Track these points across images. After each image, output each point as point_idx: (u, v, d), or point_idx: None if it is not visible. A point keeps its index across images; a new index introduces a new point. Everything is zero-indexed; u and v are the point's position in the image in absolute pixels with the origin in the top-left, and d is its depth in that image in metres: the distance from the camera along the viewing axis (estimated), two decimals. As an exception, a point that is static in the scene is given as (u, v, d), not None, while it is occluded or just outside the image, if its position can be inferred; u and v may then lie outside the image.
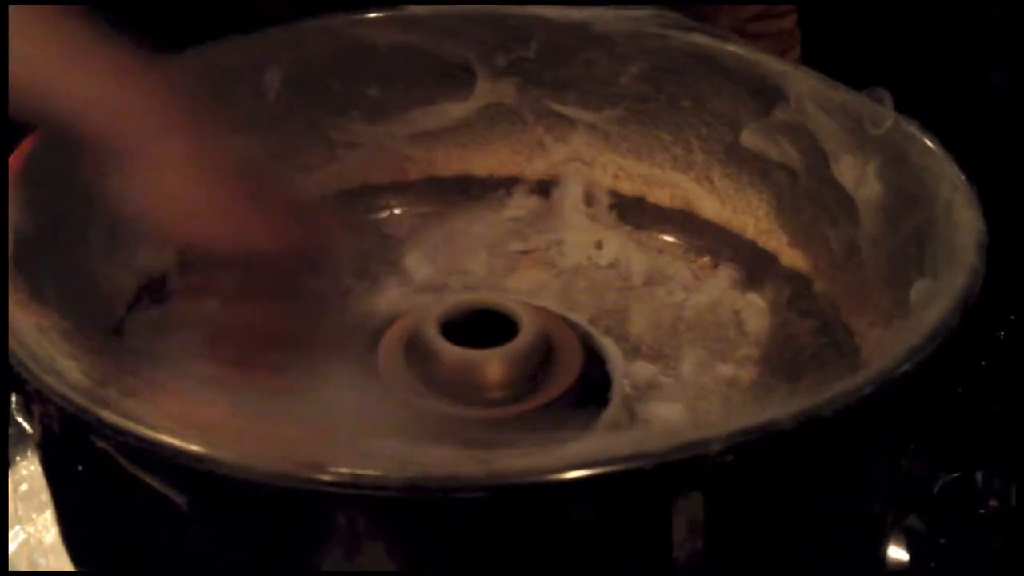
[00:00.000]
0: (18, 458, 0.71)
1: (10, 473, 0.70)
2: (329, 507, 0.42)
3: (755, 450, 0.43)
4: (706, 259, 0.76)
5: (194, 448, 0.41)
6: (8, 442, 0.70)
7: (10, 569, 0.67)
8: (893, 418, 0.49)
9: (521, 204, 0.80)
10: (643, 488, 0.43)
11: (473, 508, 0.41)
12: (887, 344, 0.48)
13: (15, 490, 0.70)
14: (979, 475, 0.77)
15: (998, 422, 0.85)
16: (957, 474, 0.77)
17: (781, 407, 0.43)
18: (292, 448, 0.41)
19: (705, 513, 0.45)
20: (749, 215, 0.74)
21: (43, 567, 0.67)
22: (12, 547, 0.68)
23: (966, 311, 0.50)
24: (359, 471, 0.41)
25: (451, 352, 0.61)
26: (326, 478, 0.41)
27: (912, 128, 0.62)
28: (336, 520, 0.42)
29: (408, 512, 0.42)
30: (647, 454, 0.41)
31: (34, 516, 0.69)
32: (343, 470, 0.41)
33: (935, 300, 0.49)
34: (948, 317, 0.48)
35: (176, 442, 0.41)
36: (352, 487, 0.41)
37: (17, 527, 0.69)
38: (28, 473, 0.71)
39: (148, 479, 0.44)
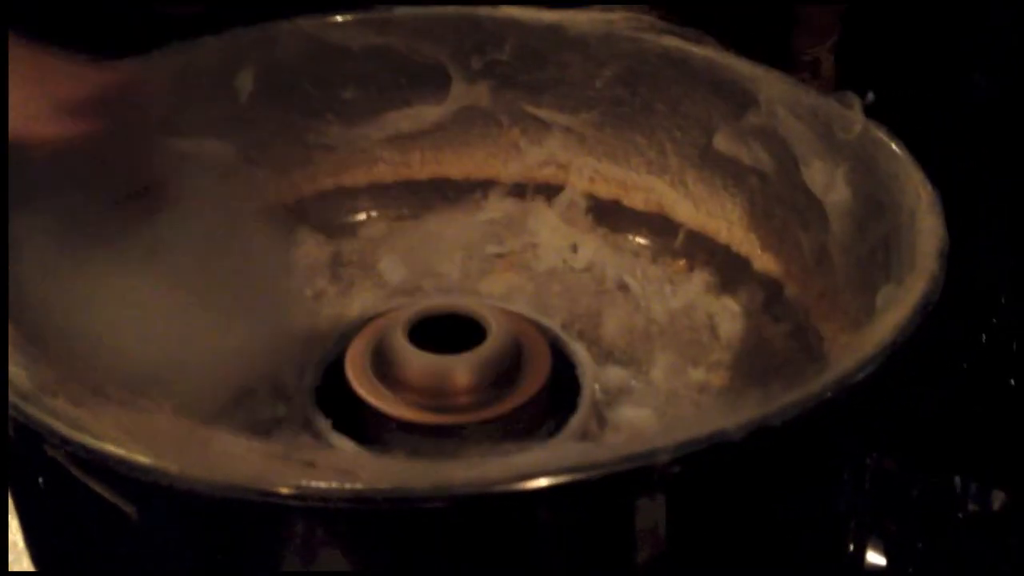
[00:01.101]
0: (-8, 461, 0.71)
1: (-16, 476, 0.70)
2: (275, 518, 0.42)
3: (704, 460, 0.42)
4: (681, 263, 0.76)
5: (139, 459, 0.41)
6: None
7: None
8: (848, 426, 0.49)
9: (497, 207, 0.80)
10: (592, 498, 0.43)
11: (418, 519, 0.41)
12: (844, 352, 0.48)
13: (-10, 493, 0.70)
14: (957, 479, 0.77)
15: (978, 426, 0.85)
16: (936, 478, 0.77)
17: (730, 417, 0.42)
18: (238, 459, 0.41)
19: (662, 522, 0.45)
20: (723, 219, 0.74)
21: (16, 571, 0.67)
22: (-14, 549, 0.68)
23: (925, 318, 0.49)
24: (304, 483, 0.41)
25: (418, 357, 0.60)
26: (272, 490, 0.41)
27: (880, 134, 0.62)
28: (283, 531, 0.42)
29: (354, 523, 0.42)
30: (594, 465, 0.41)
31: (9, 519, 0.69)
32: (289, 482, 0.41)
33: (892, 309, 0.49)
34: (903, 326, 0.48)
35: (122, 452, 0.41)
36: (297, 499, 0.41)
37: (-9, 530, 0.69)
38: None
39: (98, 488, 0.44)
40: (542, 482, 0.41)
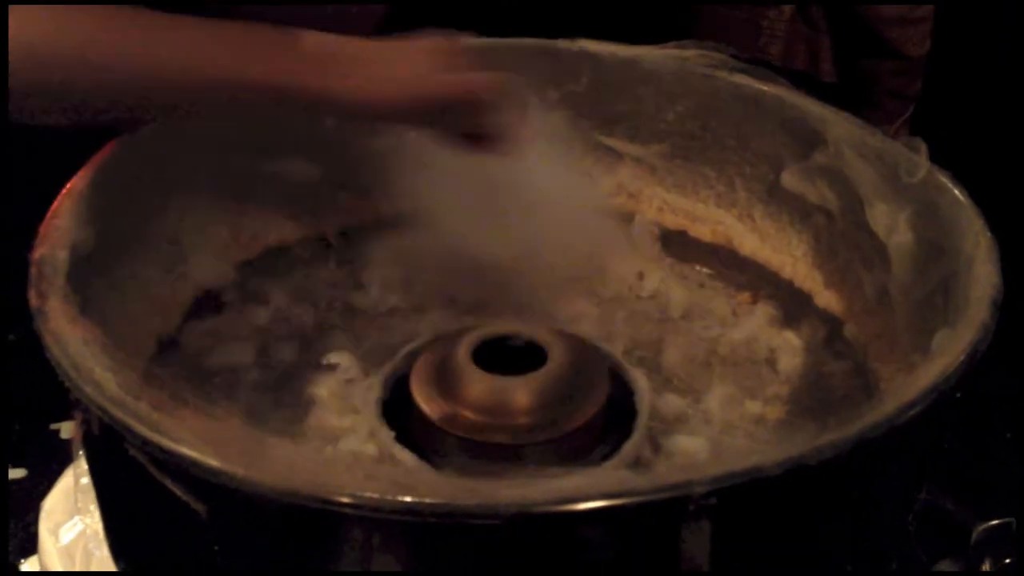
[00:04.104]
0: (81, 452, 0.75)
1: (73, 467, 0.74)
2: (333, 524, 0.45)
3: (740, 494, 0.44)
4: (745, 295, 0.77)
5: (210, 461, 0.44)
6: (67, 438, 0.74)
7: (68, 558, 0.71)
8: (889, 467, 0.50)
9: (568, 232, 0.82)
10: (631, 524, 0.45)
11: (465, 533, 0.44)
12: (887, 395, 0.49)
13: (76, 482, 0.74)
14: (1014, 523, 0.76)
15: (1045, 470, 0.84)
16: (996, 521, 0.76)
17: (767, 453, 0.44)
18: (301, 467, 0.44)
19: (699, 551, 0.46)
20: (787, 254, 0.75)
21: (97, 557, 0.71)
22: (70, 536, 0.73)
23: (972, 365, 0.50)
24: (360, 493, 0.43)
25: (480, 377, 0.63)
26: (330, 497, 0.43)
27: (944, 179, 0.63)
28: (339, 536, 0.45)
29: (406, 533, 0.45)
30: (633, 492, 0.43)
31: (92, 508, 0.72)
32: (346, 491, 0.43)
33: (939, 355, 0.50)
34: (948, 373, 0.49)
35: (195, 455, 0.45)
36: (353, 508, 0.43)
37: (76, 518, 0.73)
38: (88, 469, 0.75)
39: (172, 486, 0.47)
40: (582, 506, 0.43)
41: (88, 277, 0.58)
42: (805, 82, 1.02)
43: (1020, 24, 1.10)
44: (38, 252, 0.55)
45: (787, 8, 1.05)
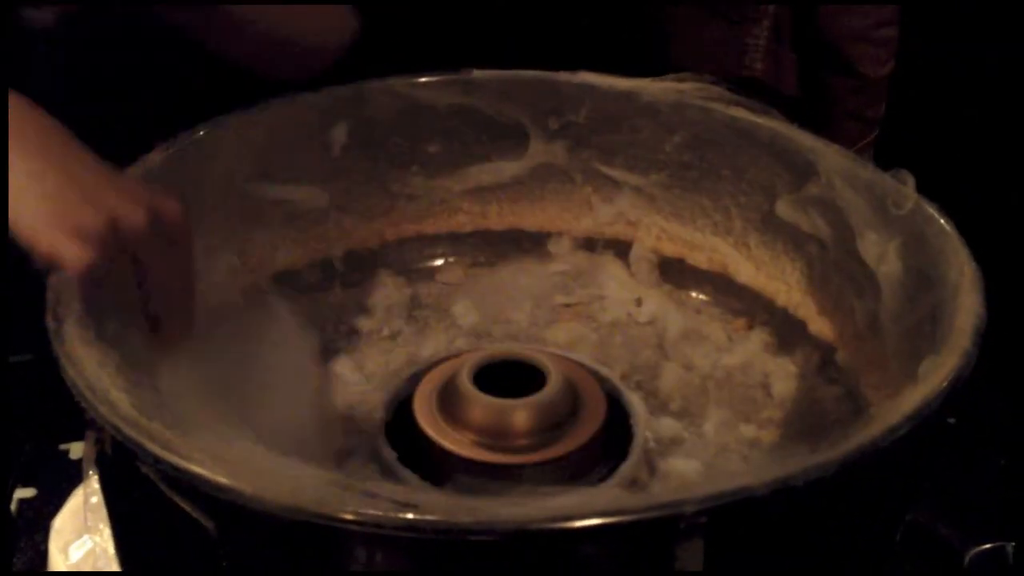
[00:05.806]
0: (91, 472, 0.77)
1: (83, 486, 0.76)
2: (337, 540, 0.47)
3: (730, 513, 0.46)
4: (741, 321, 0.79)
5: (219, 479, 0.46)
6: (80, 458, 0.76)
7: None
8: (874, 488, 0.51)
9: (567, 259, 0.84)
10: (624, 541, 0.46)
11: (464, 549, 0.45)
12: (872, 420, 0.50)
13: (86, 501, 0.76)
14: (1010, 547, 0.77)
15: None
16: (988, 545, 0.78)
17: (756, 474, 0.46)
18: (307, 485, 0.46)
19: (690, 569, 0.48)
20: (782, 282, 0.77)
21: (106, 575, 0.72)
22: (79, 555, 0.74)
23: (954, 392, 0.52)
24: (363, 510, 0.45)
25: (481, 400, 0.65)
26: (334, 514, 0.45)
27: (931, 210, 0.65)
28: (343, 552, 0.47)
29: (406, 549, 0.46)
30: (625, 511, 0.45)
31: (102, 527, 0.74)
32: (348, 508, 0.45)
33: (922, 382, 0.52)
34: (931, 399, 0.50)
35: (204, 473, 0.47)
36: (356, 524, 0.45)
37: (85, 536, 0.74)
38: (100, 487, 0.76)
39: (183, 504, 0.49)
40: (577, 524, 0.44)
41: (102, 300, 0.60)
42: (768, 95, 1.02)
43: (988, 57, 1.11)
44: (55, 276, 0.57)
45: (766, 22, 1.05)
